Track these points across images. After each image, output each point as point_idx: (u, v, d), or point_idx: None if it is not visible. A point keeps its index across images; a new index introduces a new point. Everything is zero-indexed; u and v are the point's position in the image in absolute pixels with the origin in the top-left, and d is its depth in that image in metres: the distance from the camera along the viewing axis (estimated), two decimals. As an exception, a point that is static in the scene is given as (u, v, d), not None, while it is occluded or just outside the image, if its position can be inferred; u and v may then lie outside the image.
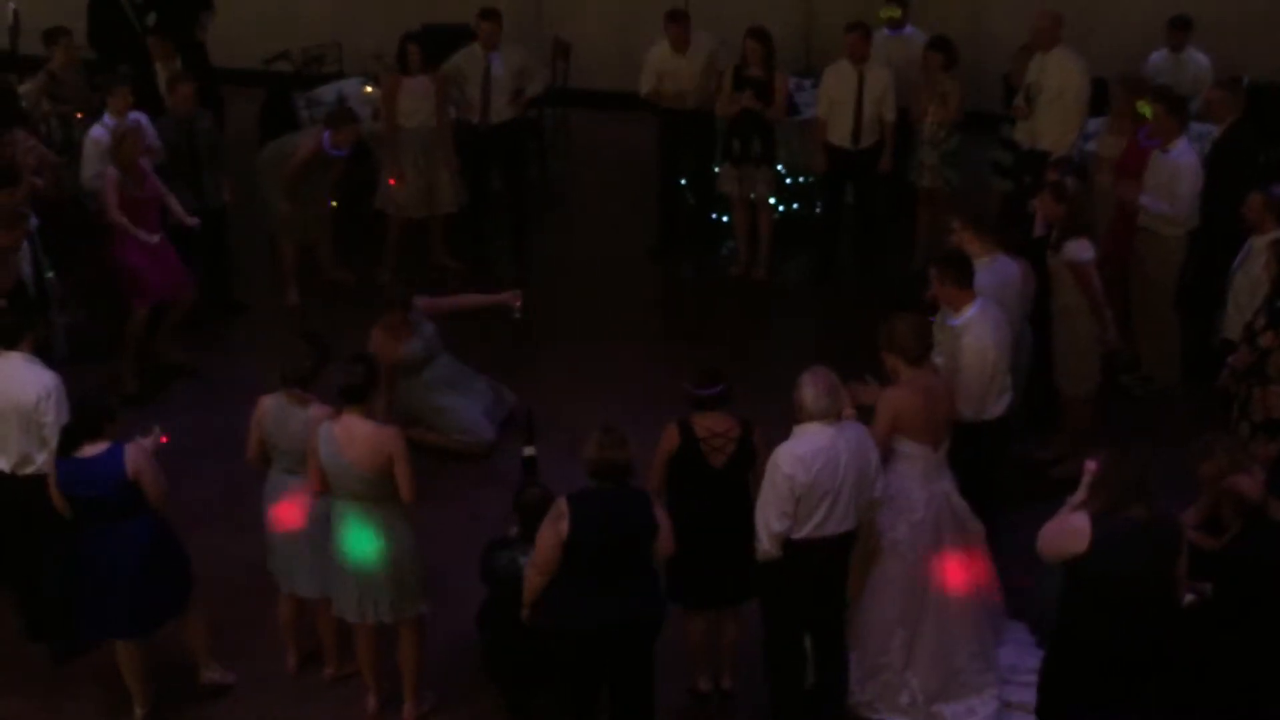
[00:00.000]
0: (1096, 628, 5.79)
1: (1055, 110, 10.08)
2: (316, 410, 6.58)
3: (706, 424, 6.43)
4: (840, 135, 10.57)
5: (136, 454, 6.46)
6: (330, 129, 10.22)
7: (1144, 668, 5.86)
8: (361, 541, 6.41)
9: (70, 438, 6.48)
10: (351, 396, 6.37)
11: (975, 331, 7.02)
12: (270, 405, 6.70)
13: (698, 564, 6.44)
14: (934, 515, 6.63)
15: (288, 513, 6.68)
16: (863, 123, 10.47)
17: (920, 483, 6.63)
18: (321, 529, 6.62)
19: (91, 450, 6.44)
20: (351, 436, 6.30)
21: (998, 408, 7.17)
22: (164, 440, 6.68)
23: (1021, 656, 6.92)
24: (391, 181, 10.75)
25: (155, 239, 9.17)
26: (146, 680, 6.84)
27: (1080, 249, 8.01)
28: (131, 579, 6.50)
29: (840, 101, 10.49)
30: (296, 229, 10.60)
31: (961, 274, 7.13)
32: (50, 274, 8.50)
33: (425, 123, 10.64)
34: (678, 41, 10.89)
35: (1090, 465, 5.88)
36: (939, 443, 6.68)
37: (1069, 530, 5.76)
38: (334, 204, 10.90)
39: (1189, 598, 6.19)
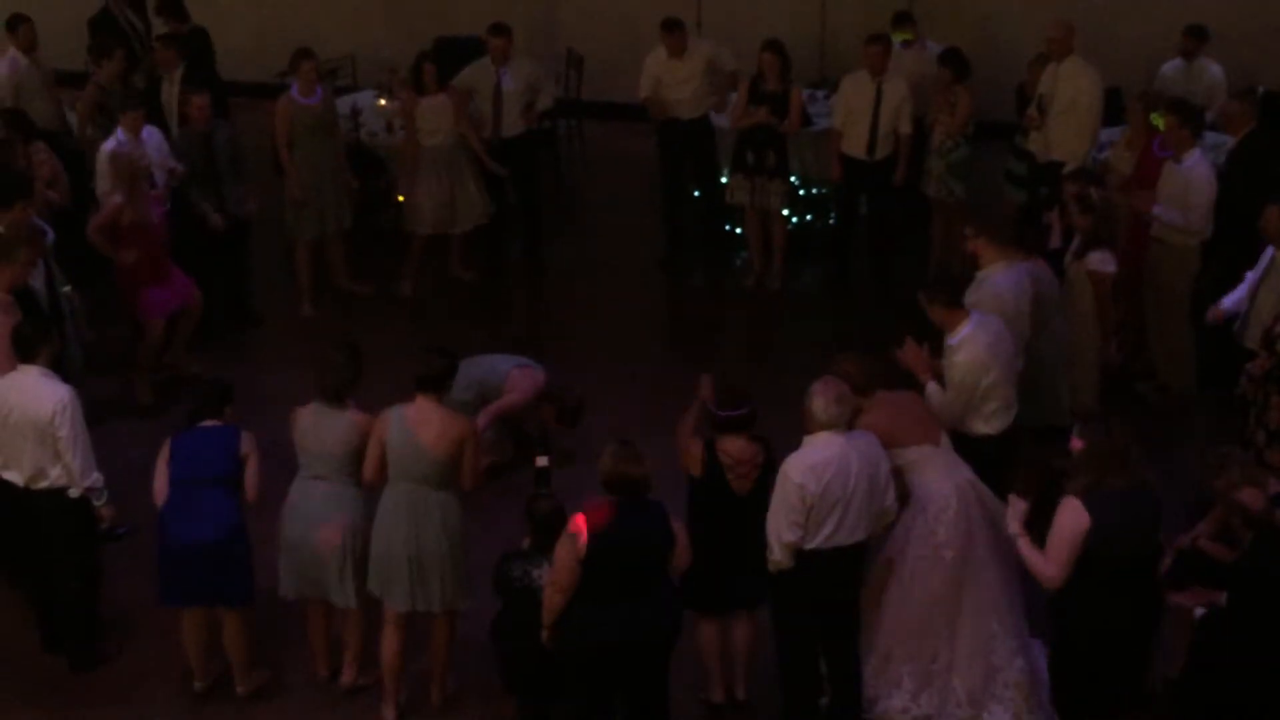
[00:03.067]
0: (1098, 602, 5.87)
1: (1068, 120, 10.07)
2: (355, 414, 6.71)
3: (731, 450, 6.37)
4: (855, 146, 10.57)
5: (251, 440, 6.83)
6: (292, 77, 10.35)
7: (1140, 637, 5.98)
8: None
9: (194, 414, 6.89)
10: (428, 386, 6.57)
11: (969, 349, 6.97)
12: (304, 412, 6.80)
13: (710, 571, 6.43)
14: (964, 506, 6.60)
15: (330, 531, 6.73)
16: (878, 134, 10.48)
17: (944, 476, 6.63)
18: (354, 537, 6.69)
19: (210, 424, 6.85)
20: (427, 420, 6.49)
21: (996, 423, 7.10)
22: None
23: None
24: (400, 198, 10.77)
25: (132, 258, 9.16)
26: (209, 655, 7.00)
27: (1104, 260, 8.01)
28: (216, 546, 6.68)
29: (856, 112, 10.50)
30: (311, 224, 10.61)
31: (949, 294, 7.08)
32: (66, 287, 8.52)
33: (446, 140, 10.67)
34: (674, 48, 10.95)
35: (1076, 443, 5.94)
36: (937, 437, 6.70)
37: (1066, 514, 5.81)
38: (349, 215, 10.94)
39: (1198, 610, 6.19)
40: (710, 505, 6.39)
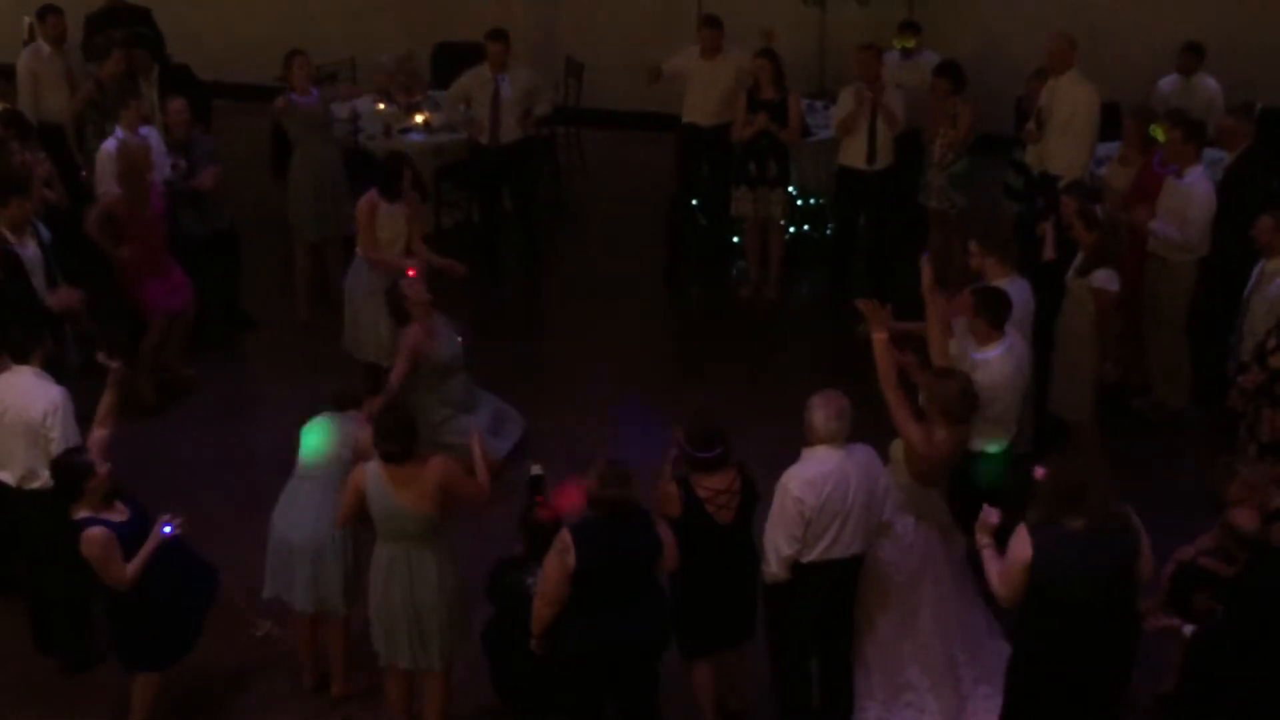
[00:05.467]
0: (1049, 640, 5.78)
1: (1066, 135, 10.07)
2: (359, 426, 6.70)
3: (708, 483, 6.25)
4: (854, 157, 10.57)
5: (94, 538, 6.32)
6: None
7: (1101, 679, 5.84)
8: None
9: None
10: (394, 460, 6.26)
11: (992, 372, 6.95)
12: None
13: (701, 612, 6.40)
14: (924, 539, 6.61)
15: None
16: (877, 144, 10.48)
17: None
18: (344, 543, 6.68)
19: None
20: (403, 482, 6.24)
21: (995, 445, 7.09)
22: (174, 530, 6.49)
23: None
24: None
25: (124, 254, 9.16)
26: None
27: (1110, 279, 8.02)
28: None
29: (857, 120, 10.46)
30: (312, 227, 10.61)
31: (997, 312, 7.05)
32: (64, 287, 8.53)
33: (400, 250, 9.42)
34: (708, 47, 10.90)
35: (1039, 472, 5.85)
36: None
37: (1014, 541, 5.75)
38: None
39: (1187, 628, 6.17)
40: (695, 541, 6.23)
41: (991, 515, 5.98)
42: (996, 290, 7.27)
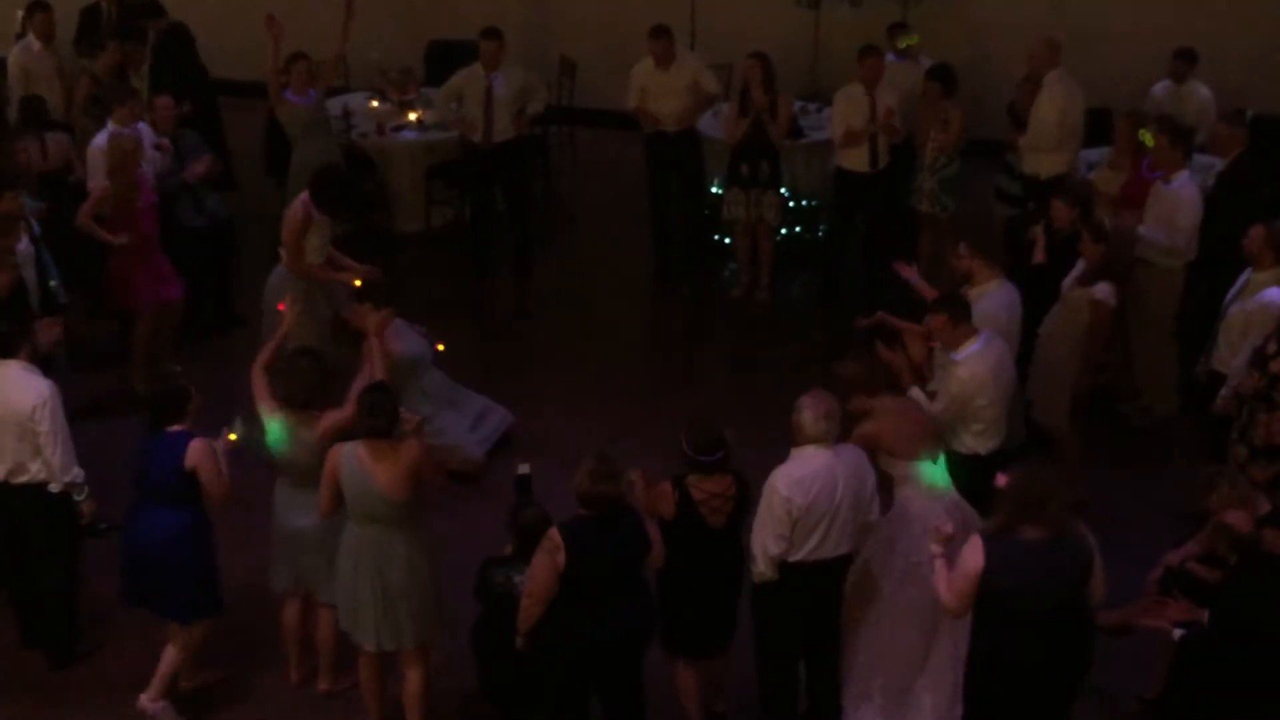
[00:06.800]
0: (1002, 649, 5.78)
1: (1051, 136, 10.10)
2: (328, 419, 6.63)
3: (704, 485, 6.25)
4: (856, 161, 10.57)
5: (200, 449, 6.53)
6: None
7: (1053, 688, 5.85)
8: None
9: (155, 417, 6.65)
10: (377, 435, 6.31)
11: (973, 366, 7.02)
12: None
13: (692, 618, 6.41)
14: (955, 526, 6.61)
15: None
16: (878, 145, 10.51)
17: (932, 494, 6.64)
18: (336, 532, 6.61)
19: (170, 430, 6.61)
20: (380, 460, 6.27)
21: (985, 443, 7.15)
22: (231, 439, 6.69)
23: None
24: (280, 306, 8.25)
25: (123, 240, 9.13)
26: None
27: (1109, 293, 8.04)
28: (159, 566, 6.60)
29: (855, 124, 10.47)
30: None
31: (962, 311, 7.13)
32: (54, 282, 8.52)
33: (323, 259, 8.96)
34: (661, 57, 10.92)
35: (1000, 479, 5.85)
36: (935, 451, 6.73)
37: (967, 549, 5.76)
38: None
39: (1176, 632, 6.19)
40: (686, 543, 6.23)
41: (946, 526, 5.99)
42: (947, 295, 7.32)
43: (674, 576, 6.25)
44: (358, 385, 6.87)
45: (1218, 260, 8.88)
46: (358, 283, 8.28)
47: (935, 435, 6.79)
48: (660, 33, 10.96)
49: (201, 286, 10.14)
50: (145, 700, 6.82)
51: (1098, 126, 10.55)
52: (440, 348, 8.38)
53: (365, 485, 6.28)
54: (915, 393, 7.13)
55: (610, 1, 14.09)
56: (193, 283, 9.84)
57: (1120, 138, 9.78)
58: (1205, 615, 6.15)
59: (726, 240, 11.44)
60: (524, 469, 7.49)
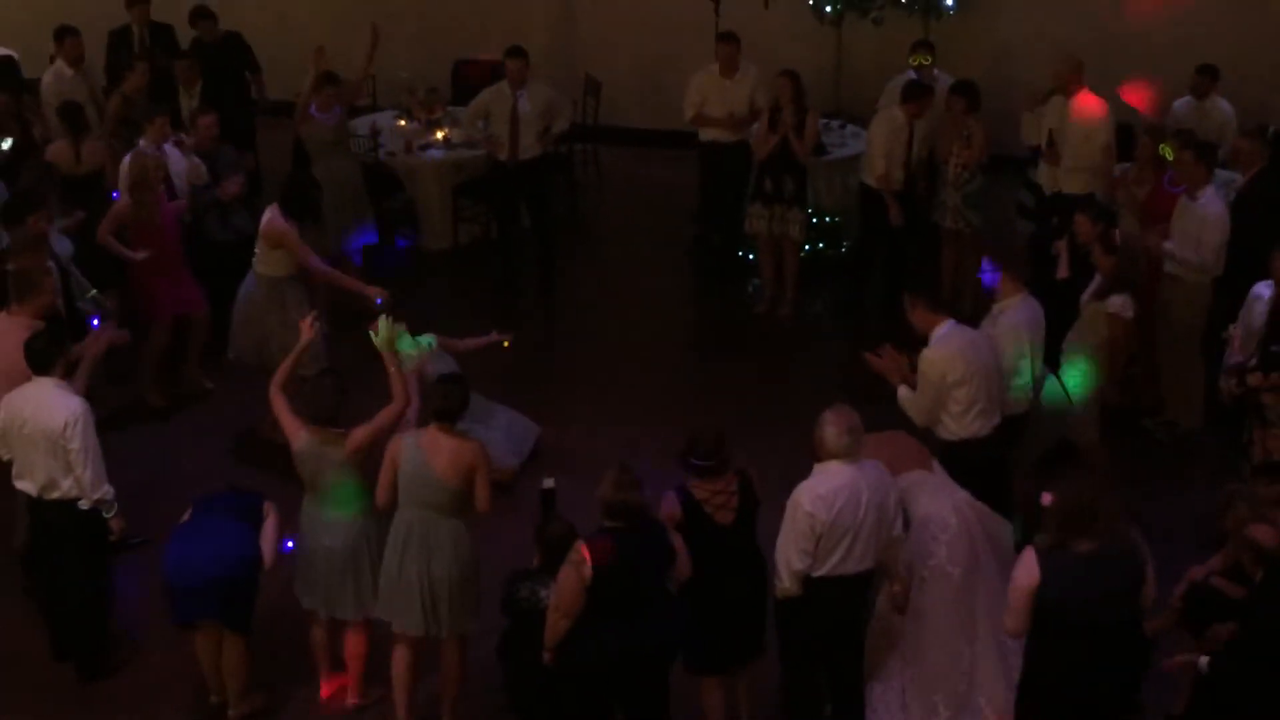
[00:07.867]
0: (1058, 663, 5.80)
1: (1080, 155, 10.12)
2: (358, 436, 6.70)
3: (705, 487, 6.33)
4: (894, 183, 10.59)
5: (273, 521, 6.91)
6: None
7: (1110, 702, 5.88)
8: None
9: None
10: (446, 417, 6.55)
11: (939, 347, 7.17)
12: (304, 445, 6.76)
13: (711, 628, 6.42)
14: (964, 524, 6.67)
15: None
16: (911, 168, 10.56)
17: (940, 497, 6.71)
18: (365, 551, 6.73)
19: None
20: (440, 448, 6.49)
21: (969, 426, 7.22)
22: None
23: None
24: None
25: (142, 255, 9.22)
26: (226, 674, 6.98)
27: (1125, 305, 8.07)
28: (245, 578, 6.79)
29: (894, 153, 10.52)
30: (329, 240, 10.61)
31: (930, 298, 7.32)
32: (92, 292, 8.66)
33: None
34: (726, 65, 10.95)
35: (1045, 498, 5.91)
36: (928, 465, 6.88)
37: (1020, 566, 5.80)
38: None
39: (1203, 660, 6.17)
40: (700, 545, 6.26)
41: (1046, 496, 5.97)
42: (920, 282, 7.58)
43: (695, 587, 6.24)
44: (389, 412, 6.89)
45: (1241, 274, 8.88)
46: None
47: (924, 451, 6.97)
48: (729, 38, 11.01)
49: (225, 300, 10.21)
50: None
51: (1121, 143, 10.55)
52: (506, 345, 8.61)
53: (422, 470, 6.46)
54: (903, 391, 7.27)
55: (635, 21, 14.17)
56: (216, 297, 9.91)
57: (1142, 152, 9.81)
58: (1231, 627, 6.14)
59: (750, 256, 11.49)
60: (549, 483, 7.53)
